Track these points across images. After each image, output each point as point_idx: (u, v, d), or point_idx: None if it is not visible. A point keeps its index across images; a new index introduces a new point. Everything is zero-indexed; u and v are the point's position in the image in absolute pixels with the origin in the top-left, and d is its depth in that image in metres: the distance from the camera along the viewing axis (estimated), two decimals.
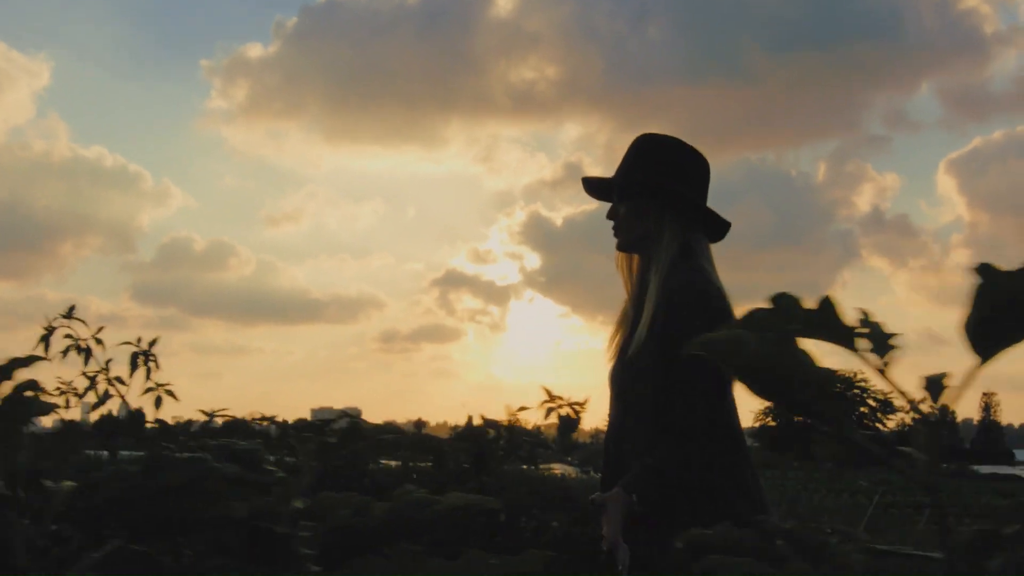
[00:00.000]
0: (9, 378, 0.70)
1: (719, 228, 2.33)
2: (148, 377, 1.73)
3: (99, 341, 1.69)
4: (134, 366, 1.73)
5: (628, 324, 2.30)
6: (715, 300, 2.16)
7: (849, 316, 0.57)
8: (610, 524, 2.03)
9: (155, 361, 1.55)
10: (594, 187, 2.42)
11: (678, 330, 2.11)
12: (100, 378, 1.77)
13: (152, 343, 1.61)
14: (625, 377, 2.26)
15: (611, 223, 2.36)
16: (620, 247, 2.36)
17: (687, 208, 2.27)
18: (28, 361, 0.69)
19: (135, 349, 1.56)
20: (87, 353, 1.67)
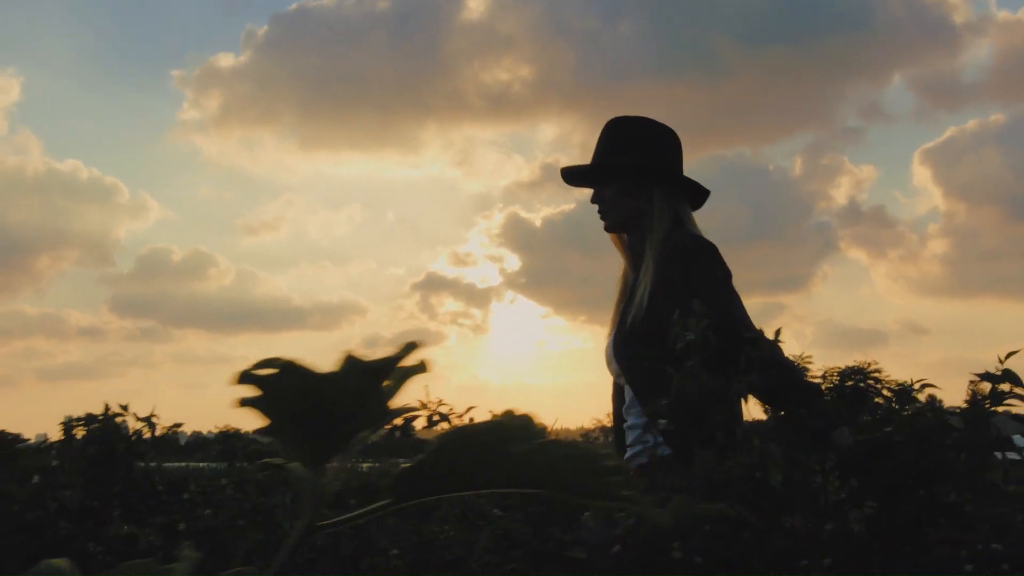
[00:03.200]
0: None
1: (699, 195, 2.44)
2: None
3: None
4: None
5: (627, 299, 2.36)
6: (720, 254, 2.26)
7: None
8: None
9: None
10: (573, 176, 2.49)
11: (704, 280, 2.20)
12: None
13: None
14: (631, 344, 2.29)
15: (595, 208, 2.42)
16: (609, 228, 2.43)
17: (670, 180, 2.36)
18: None
19: None
20: None
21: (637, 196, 2.34)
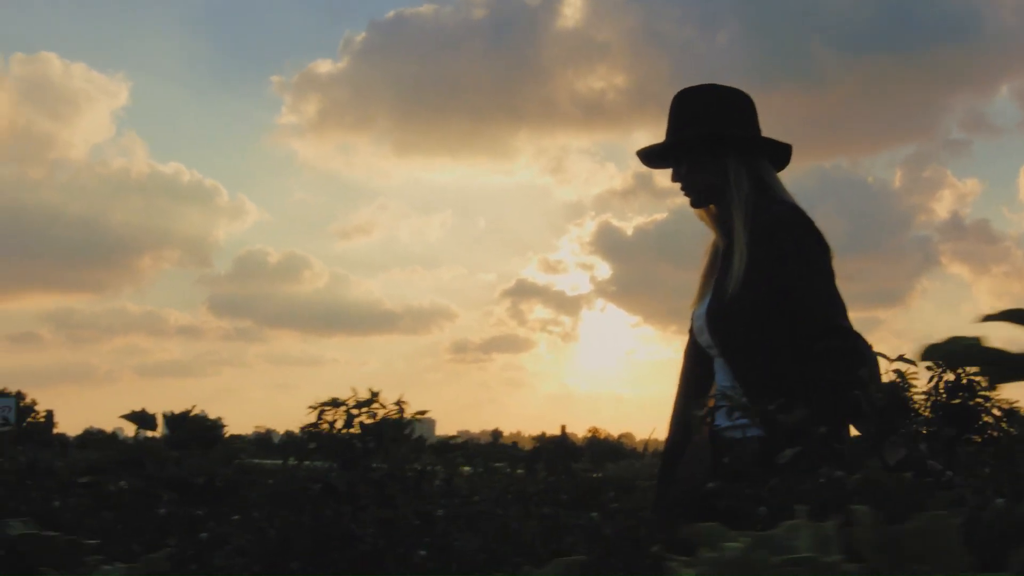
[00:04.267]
0: None
1: (782, 155, 2.34)
2: None
3: None
4: None
5: (720, 269, 2.29)
6: (816, 228, 2.19)
7: None
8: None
9: None
10: (651, 157, 2.41)
11: (799, 257, 2.14)
12: None
13: None
14: (728, 316, 2.23)
15: (678, 187, 2.35)
16: (694, 204, 2.35)
17: (744, 144, 2.28)
18: None
19: None
20: None
21: (712, 168, 2.27)
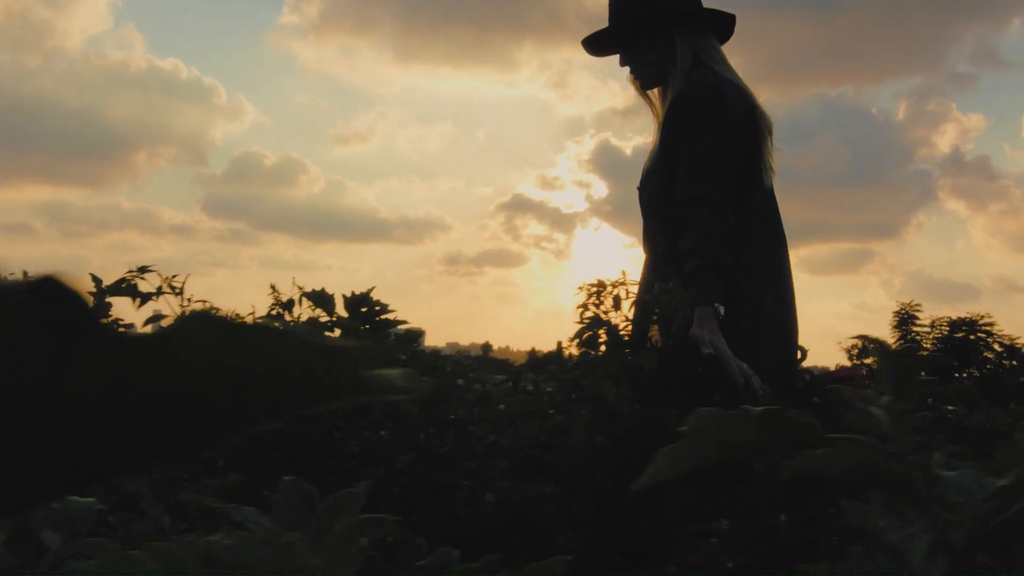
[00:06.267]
0: None
1: (726, 26, 2.30)
2: None
3: None
4: None
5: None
6: (729, 92, 2.13)
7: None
8: (705, 334, 1.91)
9: None
10: (597, 45, 2.37)
11: (688, 125, 2.11)
12: None
13: None
14: (643, 191, 2.26)
15: (628, 71, 2.34)
16: (644, 86, 2.35)
17: (688, 18, 2.25)
18: None
19: None
20: None
21: (658, 47, 2.26)
